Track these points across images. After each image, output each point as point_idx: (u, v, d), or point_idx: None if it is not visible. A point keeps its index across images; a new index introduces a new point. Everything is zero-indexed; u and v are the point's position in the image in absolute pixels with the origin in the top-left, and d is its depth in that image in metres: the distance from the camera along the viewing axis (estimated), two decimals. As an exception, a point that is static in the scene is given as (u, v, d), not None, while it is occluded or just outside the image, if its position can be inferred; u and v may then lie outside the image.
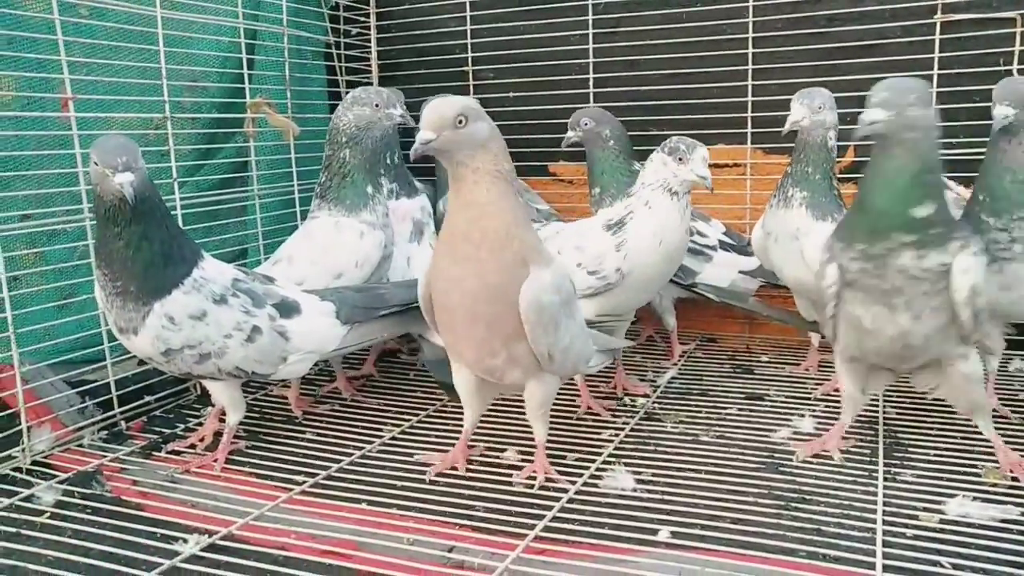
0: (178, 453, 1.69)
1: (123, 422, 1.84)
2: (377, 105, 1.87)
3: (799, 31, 2.25)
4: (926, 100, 1.32)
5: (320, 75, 2.67)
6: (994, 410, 1.63)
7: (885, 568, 1.15)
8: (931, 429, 1.68)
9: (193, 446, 1.72)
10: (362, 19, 2.78)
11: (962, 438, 1.61)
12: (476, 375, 1.49)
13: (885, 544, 1.22)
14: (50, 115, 1.81)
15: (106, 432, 1.80)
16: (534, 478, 1.48)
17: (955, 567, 1.16)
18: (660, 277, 1.82)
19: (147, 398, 1.93)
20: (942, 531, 1.27)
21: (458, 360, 1.49)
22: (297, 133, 2.33)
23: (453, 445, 1.60)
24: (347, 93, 2.64)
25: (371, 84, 2.82)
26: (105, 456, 1.68)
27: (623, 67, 2.49)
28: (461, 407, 1.57)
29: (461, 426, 1.60)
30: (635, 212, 1.75)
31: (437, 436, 1.73)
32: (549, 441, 1.56)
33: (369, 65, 2.82)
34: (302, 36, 2.50)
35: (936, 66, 2.10)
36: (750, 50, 2.30)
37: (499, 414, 1.80)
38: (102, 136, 1.51)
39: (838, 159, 1.93)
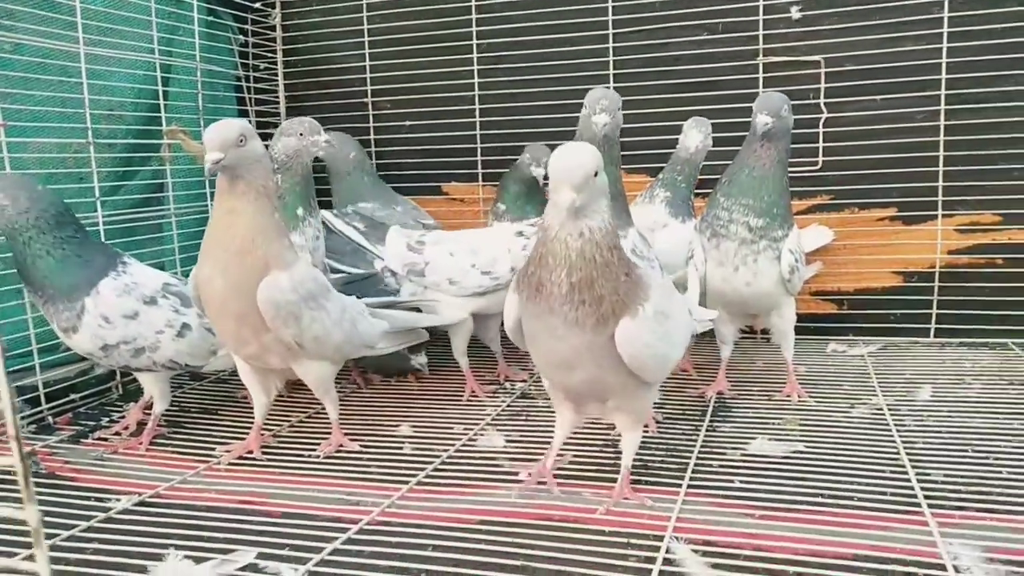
0: (104, 439, 1.88)
1: (50, 417, 2.01)
2: (301, 134, 1.99)
3: (652, 68, 2.63)
4: None
5: (232, 105, 2.90)
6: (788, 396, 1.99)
7: (689, 487, 1.48)
8: (752, 395, 2.04)
9: (118, 434, 1.91)
10: (269, 55, 3.03)
11: (773, 402, 1.98)
12: (248, 363, 1.72)
13: (693, 471, 1.55)
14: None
15: (35, 426, 1.98)
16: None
17: (745, 483, 1.50)
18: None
19: (72, 396, 2.11)
20: (742, 462, 1.61)
21: (228, 349, 1.74)
22: (210, 157, 2.56)
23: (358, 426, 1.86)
24: (254, 122, 2.94)
25: (279, 114, 3.07)
26: (34, 445, 1.85)
27: (506, 99, 2.82)
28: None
29: (358, 410, 1.86)
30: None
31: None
32: (439, 416, 1.86)
33: (277, 96, 3.07)
34: (214, 70, 2.74)
35: (761, 99, 2.52)
36: (611, 85, 2.67)
37: (395, 396, 2.07)
38: None
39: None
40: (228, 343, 1.70)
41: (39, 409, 2.01)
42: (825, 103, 2.46)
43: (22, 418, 1.96)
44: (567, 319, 1.26)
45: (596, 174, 1.23)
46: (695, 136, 2.18)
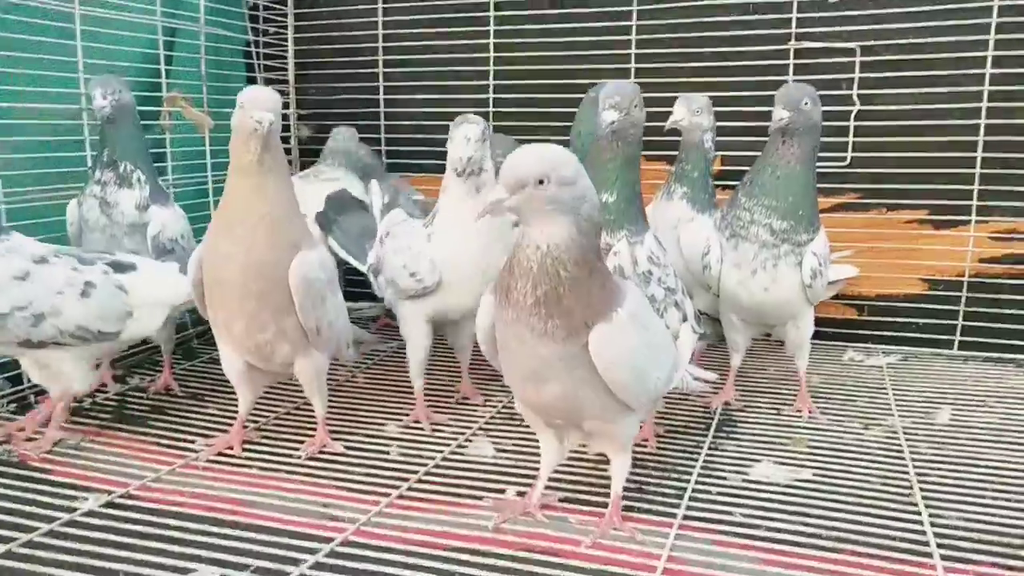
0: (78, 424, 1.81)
1: (32, 396, 1.95)
2: None
3: (676, 49, 2.48)
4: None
5: (239, 71, 2.80)
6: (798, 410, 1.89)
7: (684, 518, 1.39)
8: (760, 408, 1.93)
9: (22, 429, 1.73)
10: (280, 18, 2.91)
11: (782, 417, 1.88)
12: (243, 360, 1.62)
13: (691, 499, 1.46)
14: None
15: (15, 405, 1.92)
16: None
17: (746, 516, 1.40)
18: (482, 275, 1.67)
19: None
20: (743, 489, 1.51)
21: (226, 342, 1.61)
22: (211, 126, 2.46)
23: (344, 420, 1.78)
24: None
25: (287, 81, 2.97)
26: (14, 422, 1.79)
27: (523, 75, 2.68)
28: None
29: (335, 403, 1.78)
30: (439, 202, 1.74)
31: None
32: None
33: (286, 64, 2.95)
34: (221, 34, 2.63)
35: (791, 88, 2.36)
36: (632, 65, 2.53)
37: (384, 391, 2.00)
38: None
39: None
40: (235, 329, 1.57)
41: (20, 388, 1.94)
42: (858, 94, 2.31)
43: (2, 396, 1.91)
44: (535, 330, 1.18)
45: (542, 182, 1.13)
46: (680, 112, 2.00)
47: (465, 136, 1.66)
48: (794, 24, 2.34)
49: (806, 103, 1.70)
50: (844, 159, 2.33)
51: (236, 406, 1.85)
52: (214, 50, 2.60)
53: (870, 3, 2.28)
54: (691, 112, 2.00)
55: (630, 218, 1.62)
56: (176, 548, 1.28)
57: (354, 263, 1.99)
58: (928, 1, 2.23)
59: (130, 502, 1.46)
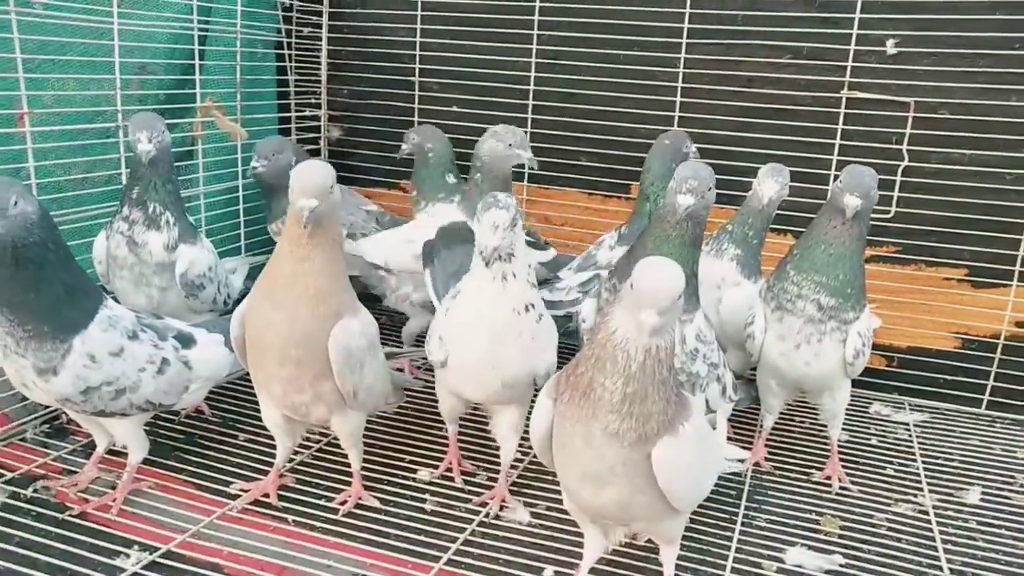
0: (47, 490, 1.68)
1: (64, 415, 1.94)
2: (510, 144, 2.20)
3: (722, 87, 2.43)
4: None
5: (270, 75, 2.74)
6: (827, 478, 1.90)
7: (724, 615, 1.41)
8: (790, 471, 1.94)
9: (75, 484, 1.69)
10: (314, 18, 2.84)
11: (812, 485, 1.89)
12: (282, 414, 1.63)
13: (728, 591, 1.47)
14: (9, 131, 1.86)
15: (48, 426, 1.92)
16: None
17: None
18: (491, 368, 1.56)
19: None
20: (777, 579, 1.53)
21: (266, 397, 1.62)
22: (244, 137, 2.43)
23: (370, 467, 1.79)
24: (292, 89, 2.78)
25: (320, 82, 2.91)
26: (48, 454, 1.80)
27: (560, 98, 2.63)
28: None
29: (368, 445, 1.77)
30: (463, 283, 1.60)
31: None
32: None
33: (318, 65, 2.89)
34: (254, 36, 2.57)
35: (839, 136, 2.32)
36: (677, 98, 2.48)
37: (411, 432, 2.00)
38: None
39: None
40: (274, 391, 1.58)
41: (54, 408, 1.93)
42: (908, 149, 2.26)
43: (35, 418, 1.91)
44: (608, 428, 1.19)
45: (680, 296, 1.17)
46: (771, 186, 1.96)
47: (493, 223, 1.44)
48: (848, 73, 2.29)
49: (874, 190, 1.68)
50: (888, 212, 2.30)
51: (268, 441, 1.84)
52: (248, 55, 2.54)
53: (927, 59, 2.22)
54: (780, 185, 1.96)
55: (684, 296, 1.60)
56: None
57: (434, 301, 1.93)
58: (989, 61, 2.17)
59: (170, 562, 1.46)
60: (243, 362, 1.63)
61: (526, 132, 2.63)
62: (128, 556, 1.46)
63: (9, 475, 1.70)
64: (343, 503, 1.68)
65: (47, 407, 1.91)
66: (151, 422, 1.91)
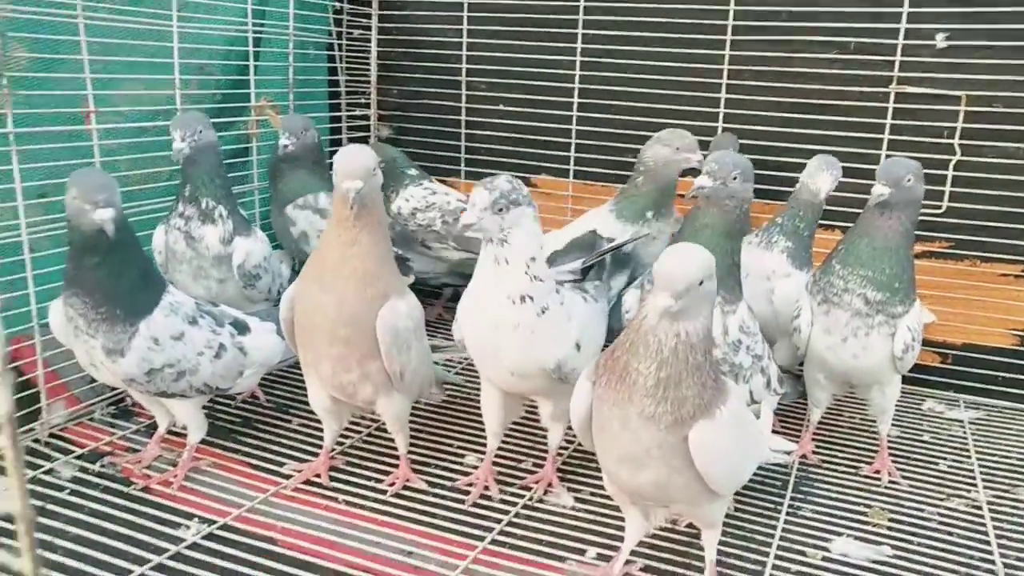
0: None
1: (130, 398, 2.01)
2: (678, 148, 2.14)
3: (767, 83, 2.43)
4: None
5: (322, 76, 2.83)
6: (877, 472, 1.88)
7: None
8: (838, 465, 1.93)
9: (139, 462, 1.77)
10: (364, 20, 2.92)
11: (860, 478, 1.87)
12: (329, 396, 1.68)
13: (771, 576, 1.47)
14: (77, 128, 1.96)
15: (114, 408, 2.01)
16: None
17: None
18: (488, 352, 1.57)
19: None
20: (823, 568, 1.52)
21: (313, 379, 1.68)
22: (297, 136, 2.51)
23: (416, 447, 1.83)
24: (343, 89, 2.86)
25: (369, 82, 2.98)
26: (114, 433, 1.89)
27: (605, 95, 2.66)
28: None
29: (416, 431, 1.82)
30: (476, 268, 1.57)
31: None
32: (505, 449, 1.83)
33: (368, 65, 2.97)
34: (307, 39, 2.66)
35: (887, 131, 2.30)
36: (723, 95, 2.49)
37: (463, 418, 2.04)
38: (80, 170, 1.59)
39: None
40: (323, 371, 1.64)
41: (120, 391, 2.00)
42: (960, 144, 2.23)
43: (102, 400, 2.00)
44: (644, 412, 1.21)
45: (702, 283, 1.17)
46: (824, 180, 1.96)
47: (472, 201, 1.44)
48: (897, 67, 2.27)
49: (909, 180, 1.67)
50: (939, 207, 2.27)
51: (318, 418, 1.89)
52: (300, 56, 2.63)
53: (978, 52, 2.19)
54: (834, 178, 1.96)
55: (727, 287, 1.62)
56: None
57: None
58: (1044, 52, 2.13)
59: (228, 535, 1.53)
60: (292, 345, 1.70)
61: (572, 132, 2.69)
62: (188, 527, 1.54)
63: (78, 451, 1.79)
64: (391, 484, 1.73)
65: (114, 390, 2.01)
66: (209, 406, 1.99)
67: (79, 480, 1.69)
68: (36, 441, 1.82)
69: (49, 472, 1.70)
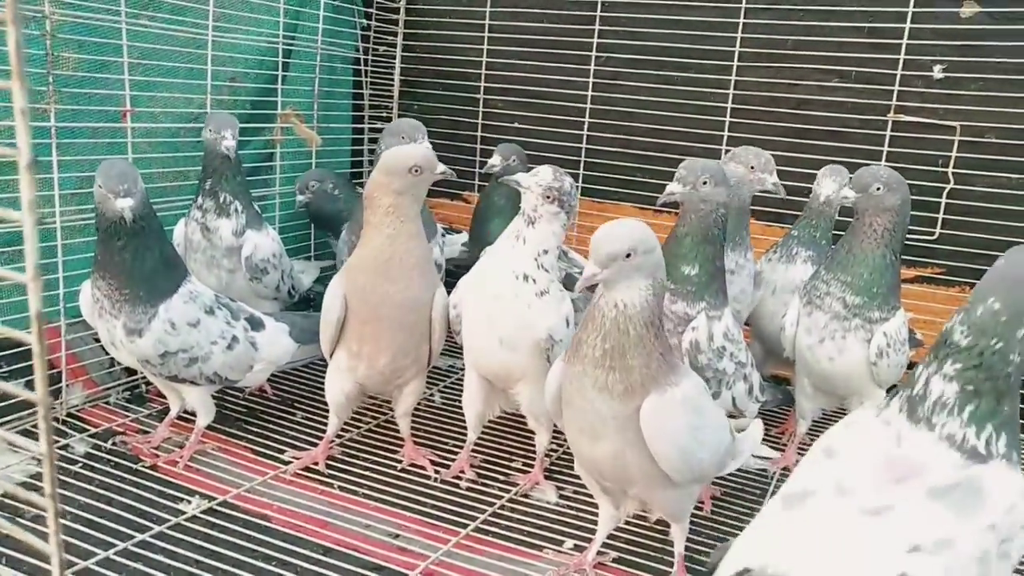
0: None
1: (144, 385, 2.13)
2: (752, 167, 2.07)
3: (771, 108, 2.52)
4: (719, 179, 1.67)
5: (347, 88, 2.96)
6: None
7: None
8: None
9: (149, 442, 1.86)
10: (390, 38, 3.05)
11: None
12: (358, 385, 1.80)
13: None
14: (112, 126, 2.10)
15: (129, 393, 2.12)
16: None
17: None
18: (488, 320, 1.69)
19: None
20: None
21: (348, 369, 1.78)
22: (319, 144, 2.64)
23: (422, 440, 1.92)
24: (367, 103, 2.99)
25: (392, 96, 3.11)
26: (128, 416, 2.00)
27: (616, 116, 2.76)
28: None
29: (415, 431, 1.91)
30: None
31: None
32: (496, 451, 1.91)
33: (392, 80, 3.09)
34: (334, 52, 2.79)
35: (884, 158, 2.37)
36: (727, 119, 2.58)
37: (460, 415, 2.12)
38: (106, 161, 1.71)
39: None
40: (379, 361, 1.75)
41: (135, 377, 2.13)
42: (953, 172, 2.30)
43: (118, 385, 2.11)
44: (596, 382, 1.30)
45: (629, 255, 1.25)
46: (829, 186, 2.05)
47: (537, 171, 1.68)
48: (895, 97, 2.34)
49: (877, 188, 1.73)
50: (933, 234, 2.33)
51: (322, 414, 2.01)
52: (327, 69, 2.76)
53: (974, 84, 2.26)
54: (839, 185, 2.03)
55: (711, 292, 1.70)
56: (256, 563, 1.45)
57: None
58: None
59: (226, 510, 1.63)
60: (328, 347, 1.79)
61: (581, 151, 2.78)
62: (189, 502, 1.64)
63: (92, 430, 1.90)
64: (399, 462, 1.86)
65: (130, 375, 2.12)
66: (219, 396, 2.10)
67: (91, 456, 1.79)
68: (55, 420, 1.93)
69: (64, 448, 1.81)
